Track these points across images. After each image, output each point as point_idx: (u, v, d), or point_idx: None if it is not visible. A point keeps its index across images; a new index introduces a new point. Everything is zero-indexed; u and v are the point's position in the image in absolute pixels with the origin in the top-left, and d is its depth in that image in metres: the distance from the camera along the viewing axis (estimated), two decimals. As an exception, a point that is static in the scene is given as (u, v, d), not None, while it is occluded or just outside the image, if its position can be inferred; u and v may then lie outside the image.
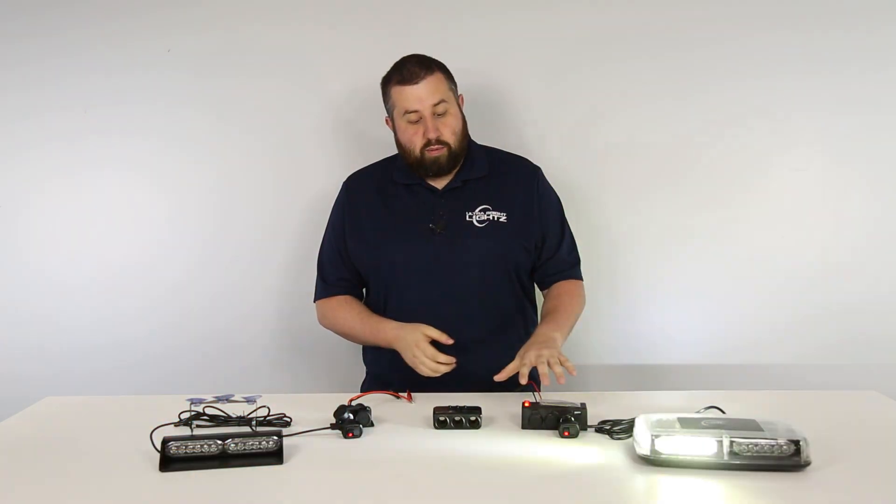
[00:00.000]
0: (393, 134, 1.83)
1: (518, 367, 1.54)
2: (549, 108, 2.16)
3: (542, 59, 2.15)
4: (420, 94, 1.72)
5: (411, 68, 1.73)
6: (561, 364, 1.52)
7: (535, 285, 1.91)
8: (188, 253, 2.22)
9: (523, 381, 1.52)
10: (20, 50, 2.18)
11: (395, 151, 1.91)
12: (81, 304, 2.23)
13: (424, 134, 1.74)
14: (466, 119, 1.82)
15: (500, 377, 1.54)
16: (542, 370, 1.51)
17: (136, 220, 2.22)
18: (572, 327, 1.78)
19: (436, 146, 1.75)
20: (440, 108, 1.74)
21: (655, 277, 2.19)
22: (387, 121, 1.85)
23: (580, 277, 1.89)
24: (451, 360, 1.63)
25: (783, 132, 2.14)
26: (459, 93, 1.84)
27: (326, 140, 2.19)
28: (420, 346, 1.64)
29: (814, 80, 2.11)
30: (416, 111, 1.73)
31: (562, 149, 2.15)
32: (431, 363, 1.62)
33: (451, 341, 1.65)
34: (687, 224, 2.17)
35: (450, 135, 1.76)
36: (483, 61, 2.11)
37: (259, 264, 2.22)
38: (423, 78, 1.72)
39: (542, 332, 1.69)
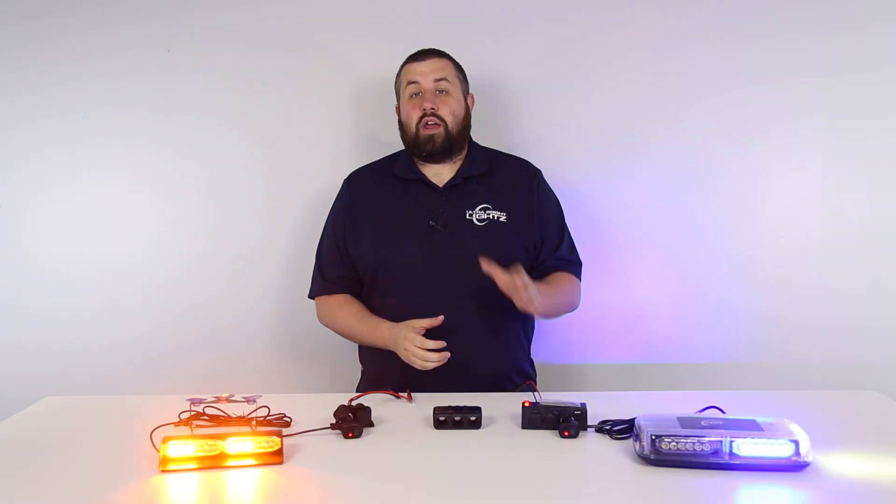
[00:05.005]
0: (398, 122, 1.85)
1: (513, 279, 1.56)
2: (549, 109, 2.17)
3: (543, 59, 2.15)
4: (423, 69, 1.80)
5: (423, 51, 1.83)
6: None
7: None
8: (188, 253, 2.22)
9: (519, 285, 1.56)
10: (21, 53, 2.18)
11: (395, 150, 1.92)
12: (82, 304, 2.23)
13: (421, 107, 1.78)
14: (472, 120, 1.86)
15: (487, 266, 1.58)
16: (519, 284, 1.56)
17: (135, 221, 2.22)
18: (556, 304, 1.78)
19: (431, 120, 1.78)
20: (441, 86, 1.80)
21: (656, 277, 2.19)
22: (397, 109, 1.87)
23: (578, 277, 1.88)
24: (441, 343, 1.60)
25: (783, 132, 2.14)
26: (470, 92, 1.89)
27: (325, 140, 2.19)
28: (409, 337, 1.62)
29: (813, 80, 2.12)
30: (416, 83, 1.79)
31: (561, 149, 2.15)
32: (421, 352, 1.60)
33: (439, 321, 1.63)
34: (687, 224, 2.17)
35: (447, 113, 1.79)
36: (484, 61, 2.10)
37: (259, 264, 2.22)
38: (430, 58, 1.81)
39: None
